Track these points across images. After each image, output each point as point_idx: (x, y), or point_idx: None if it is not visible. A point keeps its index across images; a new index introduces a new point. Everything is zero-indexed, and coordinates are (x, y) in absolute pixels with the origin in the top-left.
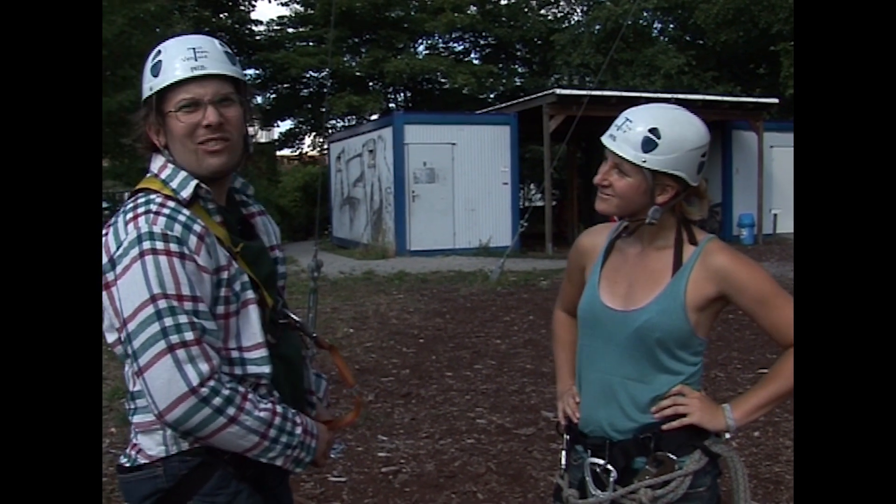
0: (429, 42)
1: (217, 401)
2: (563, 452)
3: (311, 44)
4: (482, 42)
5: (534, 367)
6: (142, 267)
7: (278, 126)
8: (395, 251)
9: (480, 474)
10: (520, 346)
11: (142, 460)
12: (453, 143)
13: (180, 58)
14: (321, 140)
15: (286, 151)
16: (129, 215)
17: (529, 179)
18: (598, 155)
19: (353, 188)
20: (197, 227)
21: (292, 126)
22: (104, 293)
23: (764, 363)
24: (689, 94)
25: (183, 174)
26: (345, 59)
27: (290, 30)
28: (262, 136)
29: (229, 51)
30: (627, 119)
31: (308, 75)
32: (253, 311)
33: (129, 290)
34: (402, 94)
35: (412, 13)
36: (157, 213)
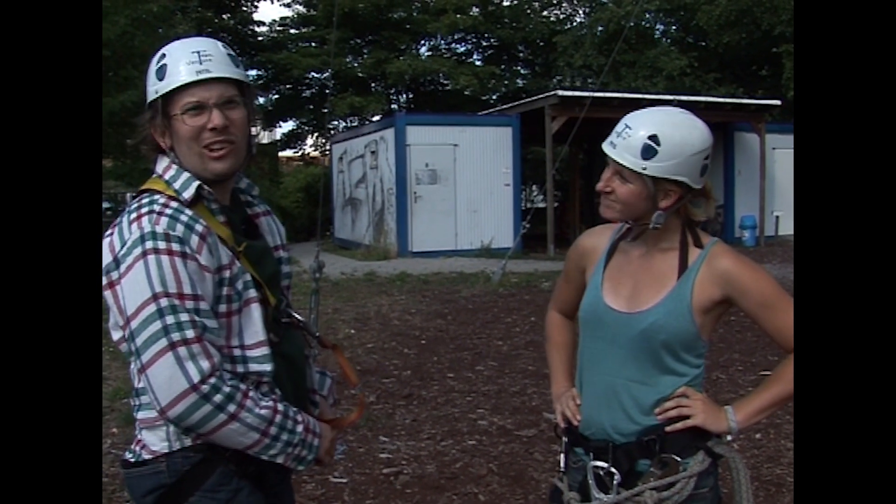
0: (431, 43)
1: (218, 398)
2: (562, 455)
3: (313, 45)
4: (484, 43)
5: (535, 369)
6: (144, 266)
7: (280, 127)
8: (396, 252)
9: (482, 476)
10: (521, 348)
11: (146, 456)
12: (455, 145)
13: (185, 61)
14: (323, 141)
15: (288, 152)
16: (133, 215)
17: (531, 181)
18: (600, 156)
19: (355, 189)
20: (199, 227)
21: (294, 127)
22: (109, 291)
23: (765, 365)
24: (691, 96)
25: (186, 175)
26: (347, 60)
27: (293, 31)
28: (265, 137)
29: (232, 53)
30: (627, 125)
31: (310, 76)
32: (255, 310)
33: (131, 289)
34: (404, 96)
35: (414, 14)
36: (160, 214)
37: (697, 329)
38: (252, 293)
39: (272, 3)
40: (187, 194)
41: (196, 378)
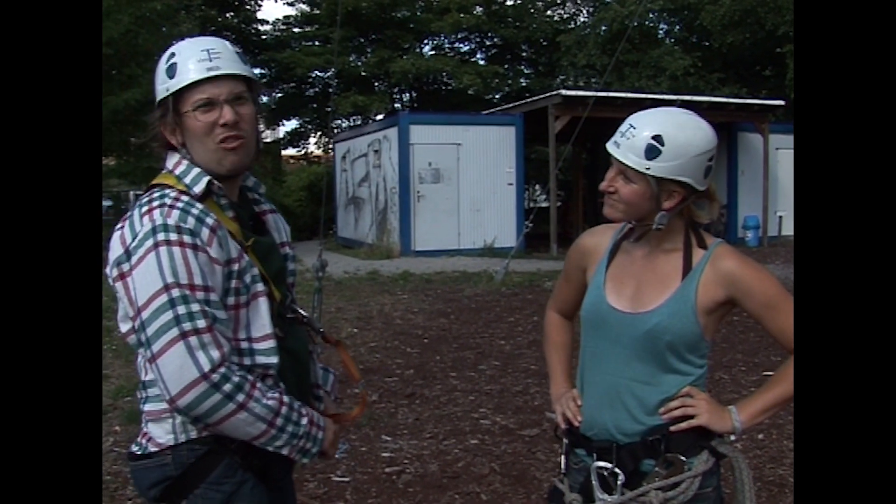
0: (434, 42)
1: (227, 387)
2: (562, 456)
3: (316, 43)
4: (488, 43)
5: (538, 368)
6: (156, 257)
7: (283, 125)
8: (399, 251)
9: (484, 475)
10: (524, 347)
11: (152, 448)
12: (458, 144)
13: (195, 59)
14: (326, 140)
15: (291, 151)
16: (145, 209)
17: (534, 180)
18: (603, 156)
19: (358, 188)
20: (209, 221)
21: (297, 126)
22: (120, 283)
23: (768, 365)
24: (694, 96)
25: (196, 170)
26: (350, 58)
27: (296, 29)
28: (268, 136)
29: (240, 51)
30: (631, 125)
31: (313, 75)
32: (263, 304)
33: (143, 280)
34: (407, 95)
35: (418, 13)
36: (172, 207)
37: (701, 330)
38: (260, 287)
39: (276, 1)
40: (198, 189)
41: (207, 367)
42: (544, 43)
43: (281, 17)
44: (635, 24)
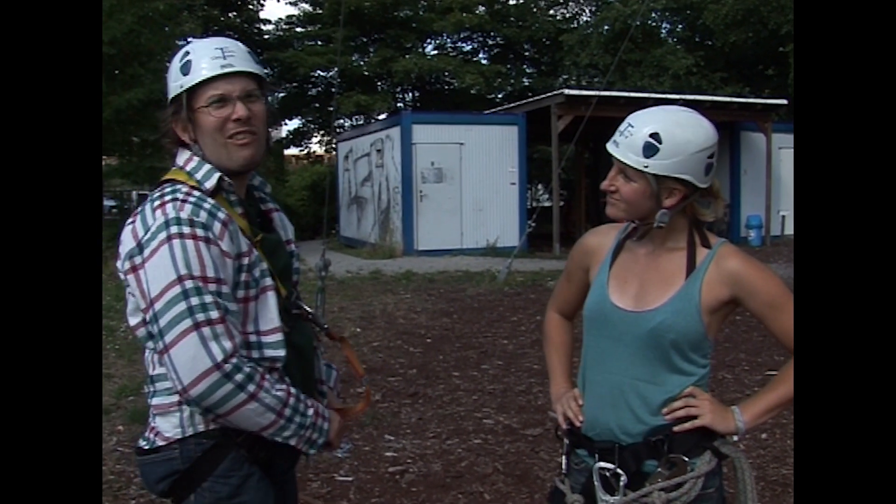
0: (437, 42)
1: (239, 377)
2: (563, 456)
3: (319, 43)
4: (490, 42)
5: (541, 368)
6: (169, 250)
7: (286, 125)
8: (402, 251)
9: (487, 475)
10: (527, 347)
11: (159, 442)
12: (461, 143)
13: (209, 57)
14: (329, 139)
15: (294, 150)
16: (157, 203)
17: (537, 180)
18: (606, 155)
19: (361, 187)
20: (221, 215)
21: (300, 125)
22: (132, 275)
23: (771, 365)
24: (697, 95)
25: (207, 167)
26: (353, 58)
27: (299, 29)
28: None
29: (251, 51)
30: (630, 124)
31: (316, 74)
32: (271, 297)
33: (156, 272)
34: (410, 94)
35: (420, 13)
36: (184, 201)
37: (705, 329)
38: (268, 281)
39: (278, 1)
40: (209, 184)
41: (219, 357)
42: (547, 42)
43: (283, 17)
44: (638, 23)
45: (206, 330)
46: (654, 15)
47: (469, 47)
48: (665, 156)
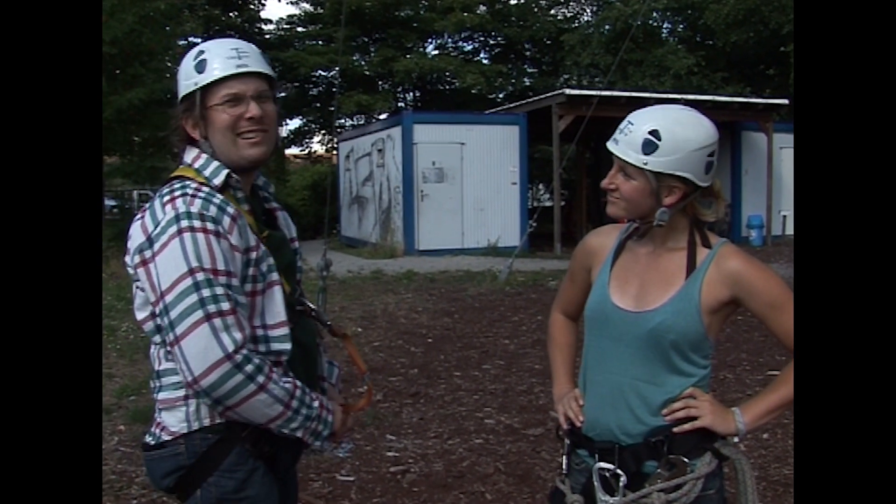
0: (438, 41)
1: (249, 368)
2: (564, 456)
3: (320, 43)
4: (491, 42)
5: (542, 368)
6: (180, 243)
7: (287, 124)
8: (403, 250)
9: (489, 474)
10: (528, 347)
11: (165, 437)
12: (462, 143)
13: (224, 56)
14: (330, 139)
15: (295, 150)
16: (166, 198)
17: (538, 179)
18: (607, 155)
19: (362, 187)
20: (230, 210)
21: (301, 125)
22: (142, 269)
23: (773, 365)
24: (698, 95)
25: (215, 164)
26: (354, 58)
27: (300, 29)
28: None
29: (263, 52)
30: (630, 122)
31: (317, 74)
32: (277, 292)
33: (167, 265)
34: (411, 94)
35: (421, 13)
36: (194, 196)
37: (705, 329)
38: (275, 276)
39: (279, 1)
40: (217, 181)
41: (231, 348)
42: (548, 42)
43: (284, 17)
44: (639, 22)
45: (218, 321)
46: (655, 15)
47: (470, 47)
48: (664, 153)
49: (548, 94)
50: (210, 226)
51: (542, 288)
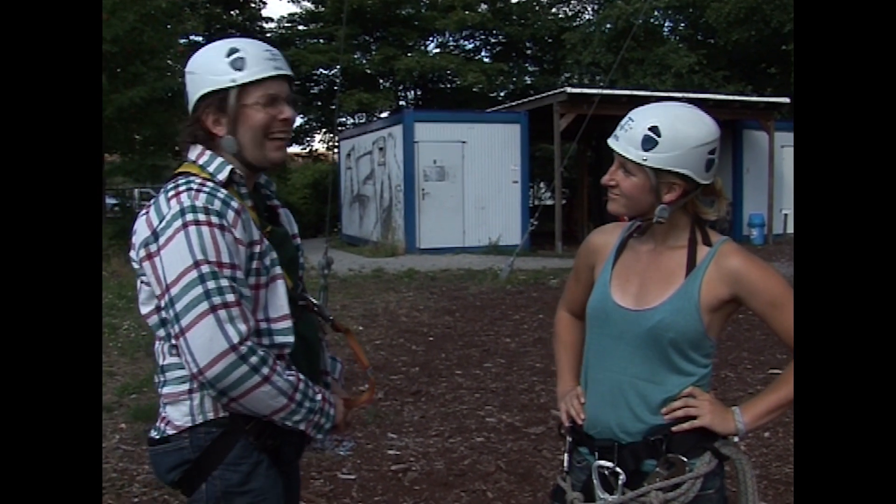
0: (439, 40)
1: (254, 359)
2: (566, 454)
3: (321, 41)
4: (493, 40)
5: (543, 366)
6: (185, 236)
7: None
8: (404, 249)
9: (490, 473)
10: (529, 345)
11: (170, 431)
12: (463, 141)
13: (262, 56)
14: (331, 137)
15: (296, 148)
16: (171, 193)
17: (539, 178)
18: (608, 154)
19: (363, 185)
20: (235, 204)
21: (302, 123)
22: (147, 263)
23: (774, 364)
24: (699, 94)
25: (219, 160)
26: (355, 56)
27: (301, 27)
28: None
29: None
30: (630, 118)
31: (318, 72)
32: (281, 286)
33: (172, 258)
34: (412, 92)
35: (423, 11)
36: (199, 190)
37: (705, 327)
38: (278, 270)
39: None
40: (221, 176)
41: (236, 339)
42: (549, 40)
43: (285, 15)
44: (640, 21)
45: (223, 312)
46: (656, 13)
47: (471, 45)
48: (664, 149)
49: (549, 93)
50: (215, 219)
51: (544, 286)
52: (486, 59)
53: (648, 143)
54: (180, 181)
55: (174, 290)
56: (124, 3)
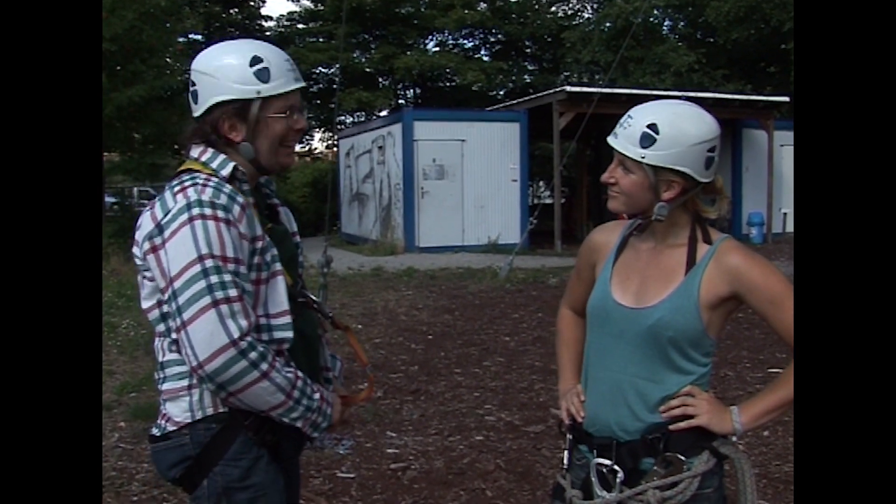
0: (439, 38)
1: (253, 355)
2: (566, 451)
3: (320, 40)
4: (492, 39)
5: (543, 365)
6: (191, 230)
7: None
8: (403, 247)
9: (489, 471)
10: (528, 344)
11: (170, 428)
12: (463, 140)
13: (285, 68)
14: (330, 135)
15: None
16: (177, 188)
17: (539, 177)
18: (607, 152)
19: (363, 184)
20: (240, 199)
21: None
22: (151, 255)
23: (774, 362)
24: (699, 93)
25: (222, 157)
26: (355, 55)
27: (300, 26)
28: None
29: None
30: (629, 116)
31: (318, 71)
32: (281, 282)
33: (177, 251)
34: (411, 91)
35: (422, 9)
36: (205, 185)
37: (704, 326)
38: (278, 266)
39: None
40: (225, 172)
41: (236, 334)
42: (548, 39)
43: (285, 13)
44: (640, 20)
45: (224, 307)
46: (655, 12)
47: (471, 44)
48: (662, 147)
49: (548, 92)
50: (221, 213)
51: (543, 285)
52: (485, 58)
53: (647, 141)
54: (185, 177)
55: (177, 283)
56: (123, 2)
